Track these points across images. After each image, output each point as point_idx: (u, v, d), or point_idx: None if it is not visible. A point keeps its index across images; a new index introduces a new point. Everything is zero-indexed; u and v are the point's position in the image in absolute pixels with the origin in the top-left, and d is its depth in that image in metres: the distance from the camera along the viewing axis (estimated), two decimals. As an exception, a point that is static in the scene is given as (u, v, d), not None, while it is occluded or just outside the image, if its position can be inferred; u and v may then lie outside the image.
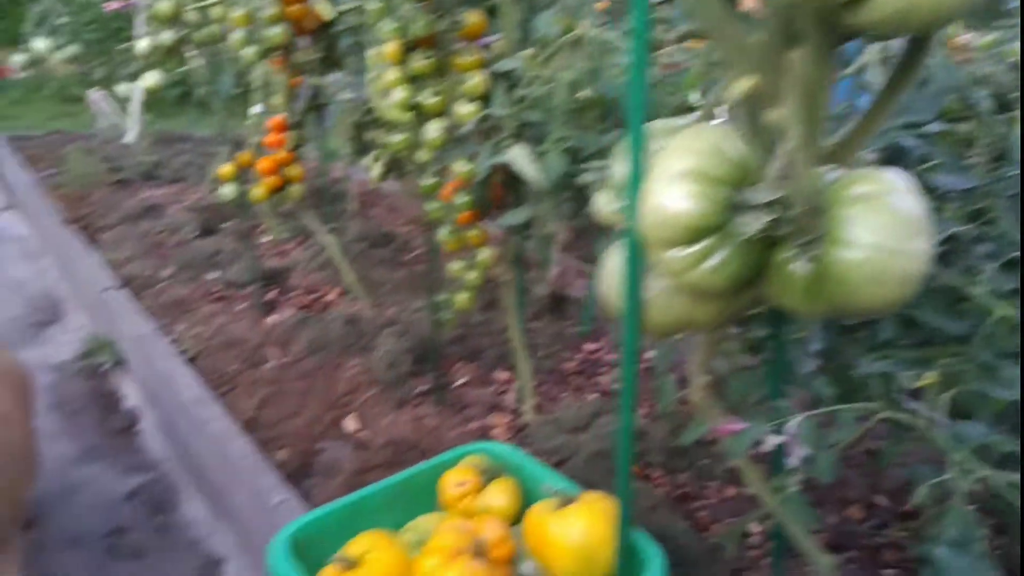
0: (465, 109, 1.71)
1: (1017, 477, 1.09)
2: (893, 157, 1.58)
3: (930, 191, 1.46)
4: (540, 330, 2.65)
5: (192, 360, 2.42)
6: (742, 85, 0.85)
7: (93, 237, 3.46)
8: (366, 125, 3.23)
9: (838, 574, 1.35)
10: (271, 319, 2.63)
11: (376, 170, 3.05)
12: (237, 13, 2.30)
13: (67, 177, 4.16)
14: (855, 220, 0.73)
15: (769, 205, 0.75)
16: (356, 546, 1.31)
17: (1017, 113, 1.54)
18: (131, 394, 2.71)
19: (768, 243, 0.83)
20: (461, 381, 2.31)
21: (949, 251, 1.51)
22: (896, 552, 1.69)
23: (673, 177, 0.76)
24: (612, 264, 0.92)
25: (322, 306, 2.77)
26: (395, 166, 3.10)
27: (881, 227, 0.72)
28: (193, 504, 2.19)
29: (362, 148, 3.39)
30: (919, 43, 0.78)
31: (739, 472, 1.96)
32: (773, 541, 1.46)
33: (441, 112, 1.77)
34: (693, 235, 0.76)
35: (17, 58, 5.39)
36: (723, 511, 1.81)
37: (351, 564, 1.26)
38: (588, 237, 3.13)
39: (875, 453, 2.05)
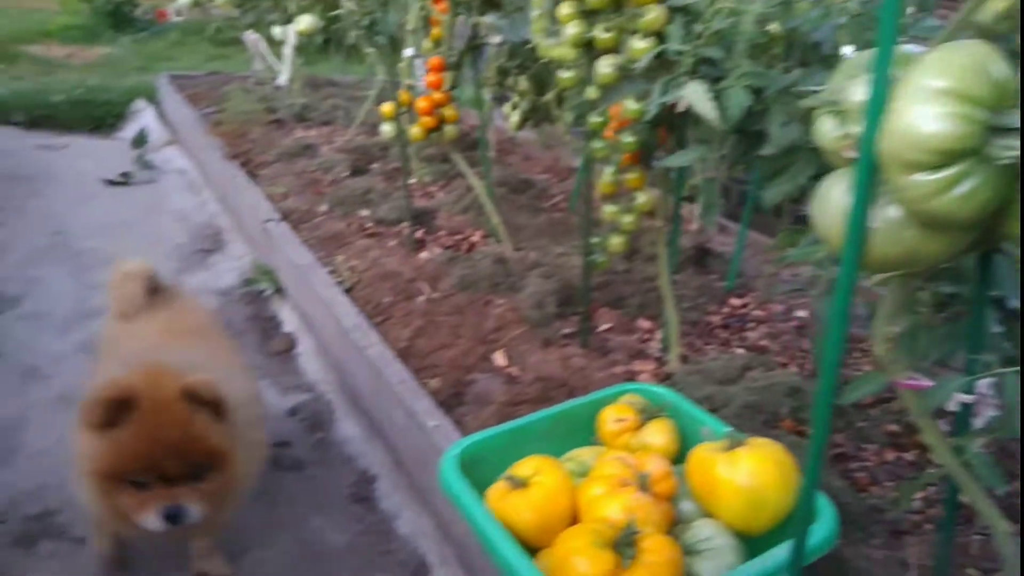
0: (640, 44, 1.68)
1: None
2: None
3: None
4: (684, 282, 2.62)
5: (349, 290, 2.54)
6: (999, 3, 0.79)
7: (252, 172, 3.66)
8: (508, 71, 3.25)
9: (1016, 541, 1.28)
10: (421, 256, 2.72)
11: (514, 118, 3.07)
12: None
13: (226, 115, 4.41)
14: None
15: (1033, 129, 0.70)
16: (524, 467, 1.35)
17: None
18: (289, 320, 2.89)
19: (1019, 173, 0.77)
20: (605, 327, 2.32)
21: None
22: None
23: (928, 95, 0.72)
24: (834, 194, 0.89)
25: (468, 247, 2.83)
26: (533, 115, 3.11)
27: None
28: (348, 424, 2.32)
29: (502, 96, 3.42)
30: None
31: (901, 435, 1.89)
32: (945, 504, 1.40)
33: (614, 48, 1.74)
34: (944, 159, 0.72)
35: (176, 2, 5.73)
36: (882, 474, 1.75)
37: (520, 483, 1.31)
38: (733, 195, 3.04)
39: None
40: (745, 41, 1.55)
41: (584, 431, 1.57)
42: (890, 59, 0.78)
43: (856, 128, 0.83)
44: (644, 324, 2.40)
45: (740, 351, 2.26)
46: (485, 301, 2.36)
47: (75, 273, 3.27)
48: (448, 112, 2.61)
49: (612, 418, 1.52)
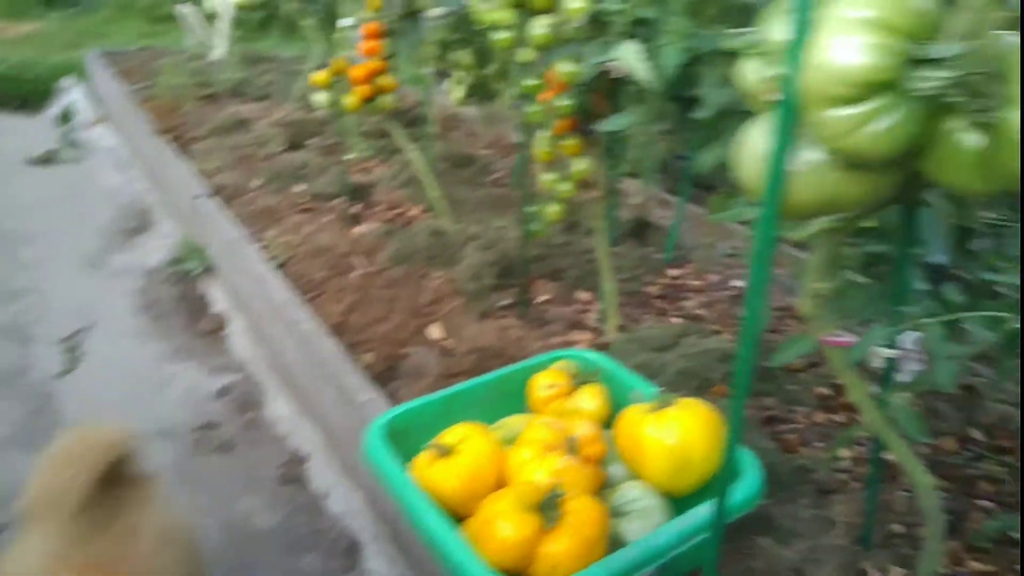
0: (575, 4, 1.65)
1: None
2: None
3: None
4: (623, 254, 2.61)
5: (281, 266, 2.46)
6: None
7: (183, 148, 3.53)
8: (450, 45, 3.19)
9: (937, 495, 1.30)
10: (357, 230, 2.65)
11: (457, 93, 3.01)
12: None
13: (158, 90, 4.24)
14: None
15: (952, 61, 0.69)
16: (451, 435, 1.32)
17: None
18: (220, 299, 2.79)
19: (939, 110, 0.76)
20: (543, 298, 2.29)
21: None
22: (992, 484, 1.63)
23: (848, 26, 0.70)
24: (753, 139, 0.87)
25: (406, 221, 2.78)
26: (476, 90, 3.06)
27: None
28: (279, 403, 2.26)
29: (445, 71, 3.35)
30: None
31: (830, 398, 1.92)
32: (871, 461, 1.42)
33: (549, 8, 1.71)
34: (864, 92, 0.71)
35: (108, -24, 5.49)
36: (812, 435, 1.77)
37: (446, 451, 1.27)
38: (673, 169, 3.04)
39: (971, 388, 1.96)
40: (679, 1, 1.52)
41: (517, 398, 1.55)
42: (806, -8, 0.76)
43: (778, 69, 0.81)
44: (583, 296, 2.38)
45: (676, 320, 2.27)
46: (421, 274, 2.31)
47: (-5, 253, 3.11)
48: (385, 81, 2.55)
49: (544, 384, 1.50)
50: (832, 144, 0.76)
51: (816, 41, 0.72)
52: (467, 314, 2.12)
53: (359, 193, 2.97)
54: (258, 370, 2.41)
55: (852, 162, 0.78)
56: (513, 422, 1.47)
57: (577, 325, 2.20)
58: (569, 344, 2.07)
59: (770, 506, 1.51)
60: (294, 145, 3.48)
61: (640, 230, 2.83)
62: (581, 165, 1.93)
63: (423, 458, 1.29)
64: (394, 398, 1.84)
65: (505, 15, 1.79)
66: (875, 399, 1.27)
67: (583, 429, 1.34)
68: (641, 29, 1.63)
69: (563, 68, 1.70)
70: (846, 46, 0.69)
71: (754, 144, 0.87)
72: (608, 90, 1.86)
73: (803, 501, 1.56)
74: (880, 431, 1.32)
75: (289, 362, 2.25)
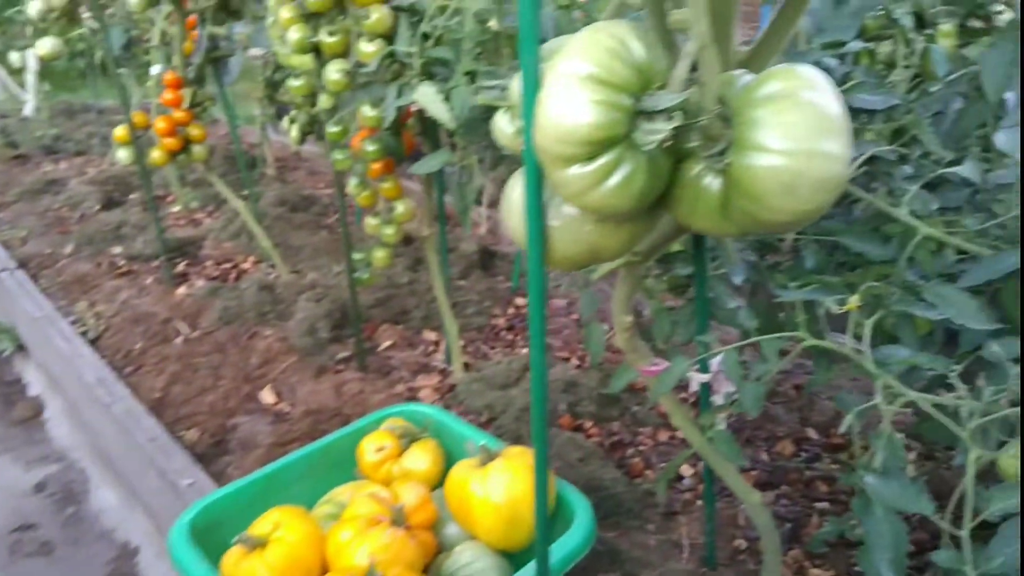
0: (368, 48, 1.59)
1: (946, 398, 1.06)
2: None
3: (852, 112, 1.42)
4: (469, 287, 2.57)
5: (95, 340, 2.25)
6: (643, -18, 0.77)
7: (-14, 218, 3.20)
8: (279, 84, 3.07)
9: (768, 511, 1.32)
10: (180, 291, 2.47)
11: (294, 132, 2.89)
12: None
13: (-44, 155, 3.85)
14: (764, 121, 0.66)
15: (673, 111, 0.67)
16: (263, 524, 1.21)
17: (934, 30, 1.50)
18: (34, 381, 2.53)
19: (677, 156, 0.75)
20: (386, 344, 2.21)
21: (872, 173, 1.47)
22: (827, 484, 1.69)
23: (569, 84, 0.67)
24: (515, 192, 0.83)
25: (236, 275, 2.62)
26: (313, 127, 2.95)
27: (792, 127, 0.65)
28: (104, 492, 2.05)
29: (279, 110, 3.22)
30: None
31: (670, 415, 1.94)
32: (705, 482, 1.42)
33: (342, 53, 1.64)
34: (593, 149, 0.68)
35: None
36: (657, 456, 1.77)
37: (256, 544, 1.17)
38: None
39: (804, 388, 2.04)
40: (470, 40, 1.50)
41: (347, 465, 1.46)
42: (535, 47, 0.73)
43: (519, 124, 0.78)
44: (429, 336, 2.32)
45: (524, 351, 2.24)
46: (251, 334, 2.17)
47: None
48: (195, 131, 2.39)
49: (372, 448, 1.42)
50: (573, 202, 0.73)
51: (543, 96, 0.69)
52: (302, 372, 2.00)
53: (184, 249, 2.78)
54: (80, 457, 2.18)
55: (601, 218, 0.75)
56: (341, 494, 1.38)
57: (423, 369, 2.13)
58: (414, 392, 1.99)
59: (617, 537, 1.50)
60: (112, 203, 3.23)
61: (487, 260, 2.80)
62: (402, 207, 1.87)
63: (232, 554, 1.17)
64: (223, 476, 1.71)
65: (301, 60, 1.70)
66: (697, 424, 1.28)
67: (411, 495, 1.26)
68: (441, 68, 1.60)
69: (365, 113, 1.64)
70: (570, 104, 0.66)
71: (515, 197, 0.83)
72: (423, 129, 1.81)
73: (649, 527, 1.55)
74: (705, 454, 1.33)
75: (110, 446, 2.05)
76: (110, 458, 2.05)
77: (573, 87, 0.67)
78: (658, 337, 1.40)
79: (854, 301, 1.12)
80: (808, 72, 0.68)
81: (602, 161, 0.69)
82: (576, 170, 0.69)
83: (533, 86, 0.72)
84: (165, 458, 1.73)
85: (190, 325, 2.23)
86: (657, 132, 0.68)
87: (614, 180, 0.69)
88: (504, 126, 0.84)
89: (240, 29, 2.47)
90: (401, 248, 2.78)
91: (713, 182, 0.73)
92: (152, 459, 1.76)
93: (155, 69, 2.48)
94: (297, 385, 1.95)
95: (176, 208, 3.17)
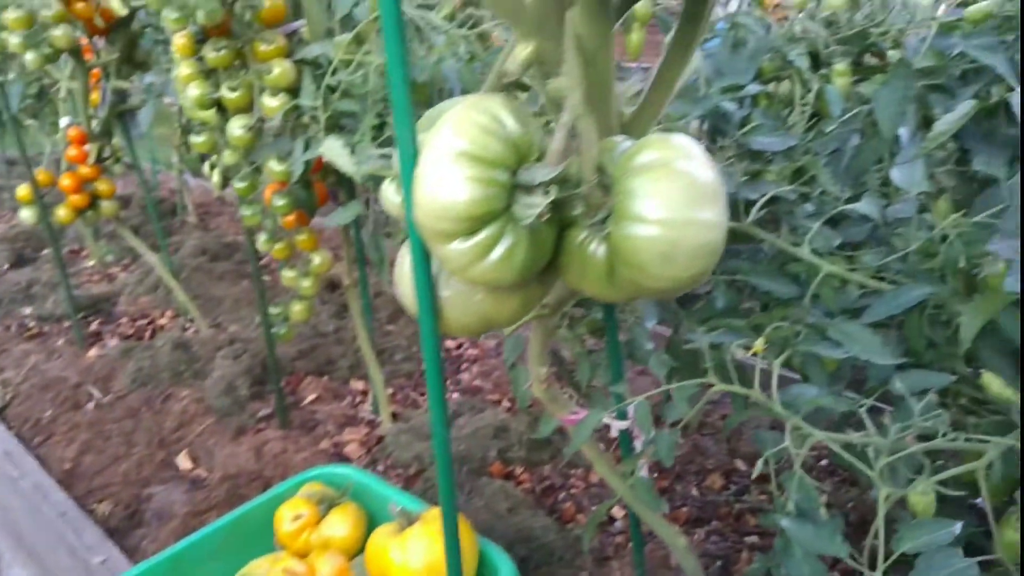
0: (271, 102, 1.56)
1: (855, 436, 1.07)
2: (716, 121, 1.56)
3: (752, 154, 1.46)
4: (398, 332, 2.53)
5: (2, 410, 2.13)
6: (521, 52, 0.77)
7: None
8: (192, 131, 2.98)
9: (694, 555, 1.32)
10: (92, 353, 2.36)
11: (215, 177, 2.82)
12: (14, 15, 2.03)
13: None
14: (641, 191, 0.66)
15: (550, 184, 0.66)
16: (172, 608, 1.15)
17: (829, 70, 1.55)
18: (-65, 455, 2.38)
19: (562, 224, 0.74)
20: (311, 397, 2.15)
21: (774, 213, 1.50)
22: (757, 516, 1.70)
23: (444, 161, 0.66)
24: (404, 263, 0.81)
25: (152, 332, 2.52)
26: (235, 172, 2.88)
27: (667, 197, 0.65)
28: (15, 572, 1.92)
29: (201, 155, 3.14)
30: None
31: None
32: (631, 528, 1.41)
33: (245, 108, 1.60)
34: (472, 225, 0.67)
35: None
36: (588, 499, 1.76)
37: (165, 630, 1.10)
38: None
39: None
40: (375, 93, 1.48)
41: (265, 534, 1.39)
42: (410, 124, 0.72)
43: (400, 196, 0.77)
44: (357, 385, 2.27)
45: (454, 395, 2.21)
46: (166, 396, 2.09)
47: None
48: (102, 187, 2.31)
49: (288, 517, 1.37)
50: (457, 276, 0.71)
51: (419, 172, 0.68)
52: (220, 434, 1.93)
53: (98, 306, 2.67)
54: (-13, 537, 2.06)
55: (489, 289, 0.74)
56: (258, 568, 1.32)
57: (350, 421, 2.08)
58: (340, 447, 1.94)
59: (549, 591, 1.48)
60: (23, 260, 3.09)
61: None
62: (319, 259, 1.83)
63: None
64: (136, 551, 1.62)
65: (204, 115, 1.66)
66: (618, 471, 1.27)
67: (328, 567, 1.22)
68: (349, 120, 1.58)
69: (273, 167, 1.60)
70: (445, 182, 0.65)
71: (405, 267, 0.81)
72: (339, 180, 1.79)
73: (582, 575, 1.53)
74: (628, 501, 1.32)
75: (20, 522, 1.93)
76: (21, 534, 1.93)
77: (448, 164, 0.66)
78: (581, 380, 1.40)
79: (759, 344, 1.14)
80: (682, 141, 0.68)
81: (482, 236, 0.67)
82: (457, 246, 0.68)
83: (410, 163, 0.71)
84: (76, 534, 1.63)
85: (102, 389, 2.13)
86: (535, 206, 0.67)
87: (496, 254, 0.68)
88: (391, 196, 0.82)
89: (152, 79, 2.41)
90: (326, 294, 2.73)
91: (598, 249, 0.72)
92: (62, 535, 1.66)
93: (64, 121, 2.39)
94: (215, 448, 1.88)
95: (91, 263, 3.05)
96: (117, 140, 2.38)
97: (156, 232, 2.71)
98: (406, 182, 0.72)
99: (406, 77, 0.69)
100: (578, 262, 0.74)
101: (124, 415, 2.01)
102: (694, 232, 0.65)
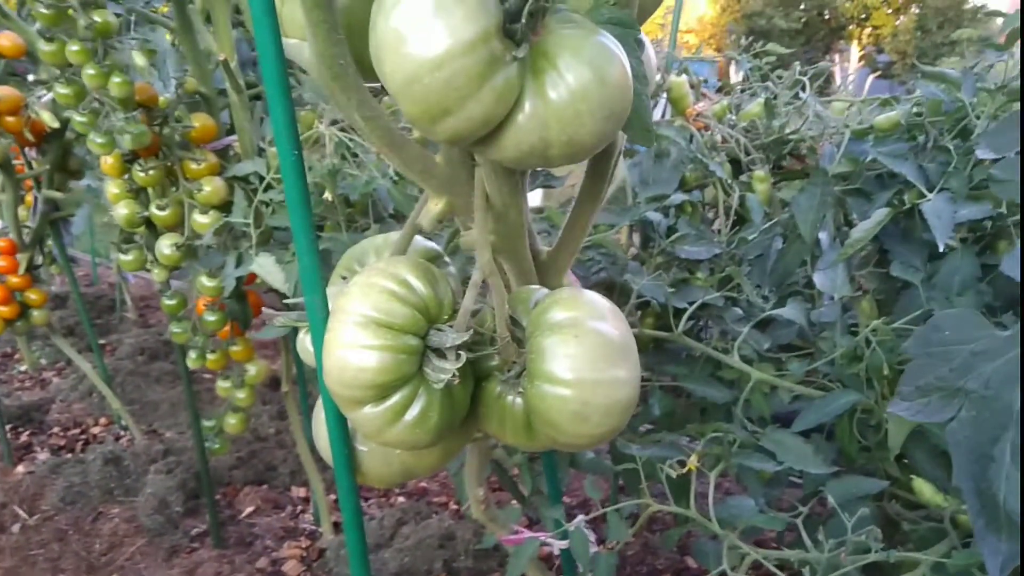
0: (202, 220, 1.55)
1: (791, 553, 1.07)
2: (644, 231, 1.60)
3: (680, 262, 1.49)
4: (342, 432, 2.47)
5: (-85, 538, 2.00)
6: (434, 207, 0.78)
7: None
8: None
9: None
10: (21, 469, 2.25)
11: (156, 271, 2.77)
12: (-58, 128, 2.00)
13: None
14: (551, 351, 0.66)
15: (460, 348, 0.66)
16: None
17: (750, 176, 1.61)
18: None
19: (479, 376, 0.74)
20: (249, 510, 2.07)
21: (705, 319, 1.53)
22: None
23: (350, 329, 0.65)
24: (322, 416, 0.80)
25: (85, 442, 2.42)
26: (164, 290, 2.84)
27: (577, 358, 0.65)
28: None
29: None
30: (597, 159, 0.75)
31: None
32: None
33: (175, 226, 1.59)
34: (382, 391, 0.66)
35: None
36: (538, 612, 1.71)
37: None
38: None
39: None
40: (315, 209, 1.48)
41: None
42: (319, 288, 0.71)
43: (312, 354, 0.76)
44: (298, 493, 2.20)
45: (400, 499, 2.15)
46: (96, 515, 1.99)
47: None
48: (32, 296, 2.24)
49: (218, 657, 1.29)
50: (371, 439, 0.70)
51: (327, 342, 0.67)
52: (151, 556, 1.84)
53: (30, 415, 2.56)
54: None
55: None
56: None
57: (290, 534, 2.00)
58: (278, 564, 1.86)
59: None
60: (-52, 367, 2.97)
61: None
62: (254, 370, 1.79)
63: None
64: None
65: (133, 230, 1.64)
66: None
67: None
68: (280, 235, 1.58)
69: (203, 283, 1.58)
70: (351, 350, 0.65)
71: (323, 421, 0.80)
72: (269, 290, 1.77)
73: None
74: (573, 623, 1.29)
75: (-71, 666, 1.80)
76: None
77: (355, 332, 0.66)
78: (525, 489, 1.38)
79: (692, 462, 1.14)
80: (592, 299, 0.69)
81: (393, 400, 0.67)
82: (368, 411, 0.67)
83: (320, 328, 0.70)
84: None
85: (28, 510, 2.03)
86: (445, 371, 0.66)
87: (409, 417, 0.67)
88: (308, 346, 0.81)
89: (88, 182, 2.39)
90: (267, 393, 2.67)
91: (516, 401, 0.72)
92: None
93: (-3, 225, 2.34)
94: (145, 573, 1.79)
95: (23, 367, 2.94)
96: (51, 243, 2.34)
97: (89, 336, 2.63)
98: (317, 348, 0.71)
99: (314, 260, 0.69)
100: (497, 414, 0.74)
101: (51, 538, 1.90)
102: (605, 391, 0.66)
